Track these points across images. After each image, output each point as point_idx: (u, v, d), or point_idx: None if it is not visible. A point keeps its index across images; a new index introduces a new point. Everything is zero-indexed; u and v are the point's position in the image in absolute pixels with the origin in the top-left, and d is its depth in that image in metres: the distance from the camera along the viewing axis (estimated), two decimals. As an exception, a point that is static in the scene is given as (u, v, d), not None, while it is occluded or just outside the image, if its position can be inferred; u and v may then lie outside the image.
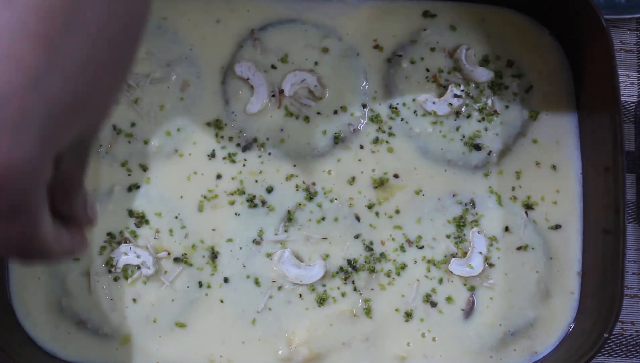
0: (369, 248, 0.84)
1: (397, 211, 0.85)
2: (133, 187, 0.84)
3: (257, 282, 0.83)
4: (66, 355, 0.81)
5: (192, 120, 0.86)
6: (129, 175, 0.85)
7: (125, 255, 0.82)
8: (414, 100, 0.87)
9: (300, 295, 0.83)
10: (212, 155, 0.85)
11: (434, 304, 0.83)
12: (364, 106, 0.87)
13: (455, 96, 0.86)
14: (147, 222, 0.84)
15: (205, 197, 0.84)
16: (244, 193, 0.85)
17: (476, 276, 0.83)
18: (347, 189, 0.85)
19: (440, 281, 0.84)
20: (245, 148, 0.86)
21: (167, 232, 0.83)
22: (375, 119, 0.87)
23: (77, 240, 0.53)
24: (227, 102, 0.87)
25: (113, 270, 0.82)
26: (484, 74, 0.87)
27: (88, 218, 0.54)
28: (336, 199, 0.85)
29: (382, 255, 0.84)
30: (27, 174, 0.42)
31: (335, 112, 0.87)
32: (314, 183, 0.85)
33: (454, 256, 0.84)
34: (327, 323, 0.82)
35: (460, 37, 0.89)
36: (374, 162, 0.86)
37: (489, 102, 0.87)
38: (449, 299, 0.83)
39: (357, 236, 0.84)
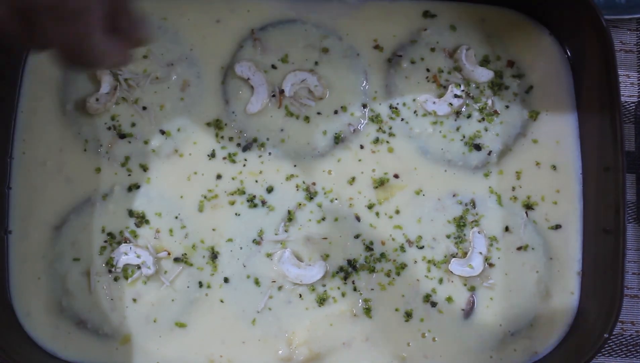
0: (369, 248, 0.84)
1: (397, 211, 0.85)
2: (133, 187, 0.84)
3: (257, 282, 0.83)
4: (66, 355, 0.81)
5: (192, 120, 0.86)
6: (129, 175, 0.85)
7: (126, 255, 0.82)
8: (414, 100, 0.87)
9: (300, 295, 0.83)
10: (212, 155, 0.85)
11: (434, 304, 0.83)
12: (364, 106, 0.87)
13: (456, 96, 0.86)
14: (147, 222, 0.84)
15: (205, 197, 0.84)
16: (244, 193, 0.85)
17: (476, 276, 0.83)
18: (347, 189, 0.85)
19: (441, 281, 0.84)
20: (246, 148, 0.86)
21: (167, 232, 0.83)
22: (375, 119, 0.87)
23: (121, 54, 0.61)
24: (227, 102, 0.87)
25: (113, 270, 0.82)
26: (484, 74, 0.87)
27: (137, 37, 0.62)
28: (336, 199, 0.85)
29: (382, 255, 0.84)
30: None
31: (336, 112, 0.87)
32: (314, 183, 0.85)
33: (454, 256, 0.84)
34: (327, 323, 0.82)
35: (460, 37, 0.89)
36: (374, 162, 0.86)
37: (489, 102, 0.87)
38: (449, 299, 0.83)
39: (357, 236, 0.84)
